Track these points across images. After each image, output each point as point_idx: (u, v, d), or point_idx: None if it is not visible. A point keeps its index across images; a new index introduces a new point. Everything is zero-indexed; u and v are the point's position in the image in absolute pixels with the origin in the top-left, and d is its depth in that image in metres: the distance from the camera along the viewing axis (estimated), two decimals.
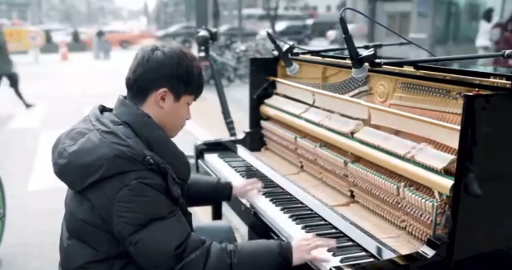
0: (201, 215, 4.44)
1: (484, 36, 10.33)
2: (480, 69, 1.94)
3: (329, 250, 1.91)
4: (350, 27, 2.20)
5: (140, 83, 1.88)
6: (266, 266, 1.84)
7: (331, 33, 27.25)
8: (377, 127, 2.30)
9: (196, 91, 1.98)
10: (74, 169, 1.78)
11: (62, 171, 1.83)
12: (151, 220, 1.74)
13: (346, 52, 1.97)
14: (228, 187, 2.50)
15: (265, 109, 3.29)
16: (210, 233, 2.10)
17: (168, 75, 1.86)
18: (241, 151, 3.26)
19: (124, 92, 1.99)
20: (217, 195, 2.52)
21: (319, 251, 1.89)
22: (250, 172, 2.87)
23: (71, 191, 1.90)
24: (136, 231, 1.73)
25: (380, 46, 3.02)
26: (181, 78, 1.89)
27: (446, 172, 1.84)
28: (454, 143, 1.77)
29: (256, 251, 1.85)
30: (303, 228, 2.14)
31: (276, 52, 2.98)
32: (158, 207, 1.76)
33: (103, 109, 1.98)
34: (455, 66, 2.11)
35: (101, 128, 1.81)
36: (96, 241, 1.81)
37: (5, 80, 10.44)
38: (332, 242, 1.94)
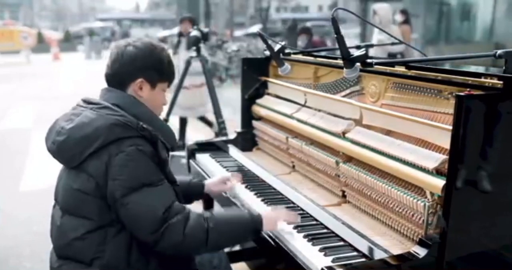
0: None
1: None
2: (472, 69, 1.94)
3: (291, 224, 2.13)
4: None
5: (118, 77, 2.05)
6: (239, 231, 2.03)
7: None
8: (368, 127, 2.29)
9: (169, 78, 2.15)
10: (73, 143, 1.90)
11: (61, 147, 1.93)
12: (143, 185, 1.87)
13: (338, 52, 1.97)
14: (200, 184, 2.57)
15: (256, 109, 3.28)
16: None
17: (141, 67, 2.03)
18: (233, 151, 3.25)
19: None
20: (189, 193, 2.52)
21: (282, 224, 2.12)
22: (241, 172, 2.86)
23: (65, 172, 2.00)
24: (128, 194, 1.85)
25: (371, 46, 3.02)
26: (154, 68, 2.06)
27: (437, 172, 1.84)
28: (446, 143, 1.77)
29: (230, 217, 2.05)
30: (295, 228, 2.13)
31: (267, 52, 2.98)
32: (150, 173, 1.90)
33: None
34: (446, 66, 2.11)
35: (94, 106, 1.97)
36: (89, 209, 1.91)
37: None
38: (298, 220, 2.15)
